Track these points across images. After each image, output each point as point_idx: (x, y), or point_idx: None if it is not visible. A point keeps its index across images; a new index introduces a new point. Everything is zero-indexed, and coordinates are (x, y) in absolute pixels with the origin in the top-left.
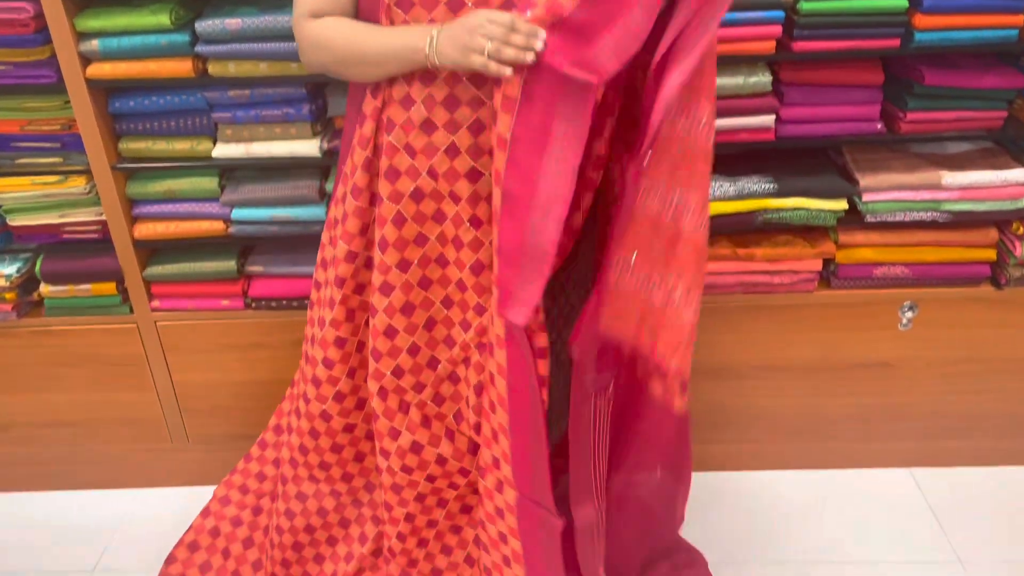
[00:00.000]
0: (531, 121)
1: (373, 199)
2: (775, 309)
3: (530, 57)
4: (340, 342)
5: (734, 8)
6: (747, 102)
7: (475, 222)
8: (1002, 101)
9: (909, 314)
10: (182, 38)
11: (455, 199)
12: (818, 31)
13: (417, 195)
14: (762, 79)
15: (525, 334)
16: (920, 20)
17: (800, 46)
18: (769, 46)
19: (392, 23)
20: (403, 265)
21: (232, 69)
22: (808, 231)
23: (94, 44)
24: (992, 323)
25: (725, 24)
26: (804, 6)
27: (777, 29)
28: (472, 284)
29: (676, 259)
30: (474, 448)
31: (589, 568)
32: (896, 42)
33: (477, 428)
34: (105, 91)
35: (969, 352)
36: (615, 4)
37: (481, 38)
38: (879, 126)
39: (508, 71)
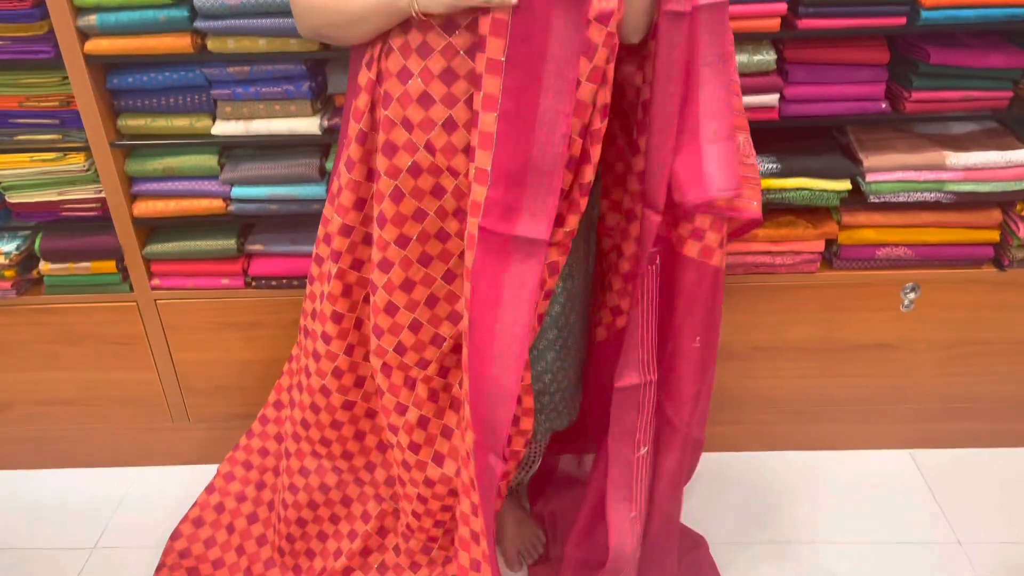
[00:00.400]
0: (525, 38)
1: (369, 173)
2: (777, 290)
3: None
4: (337, 317)
5: None
6: (751, 80)
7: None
8: (1008, 81)
9: (911, 295)
10: (180, 13)
11: (454, 173)
12: (823, 9)
13: (415, 170)
14: (766, 57)
15: (501, 239)
16: None
17: (805, 24)
18: (774, 24)
19: None
20: (401, 241)
21: (231, 45)
22: (811, 212)
23: (92, 19)
24: (994, 305)
25: (731, 1)
26: None
27: (782, 7)
28: None
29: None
30: None
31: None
32: (902, 20)
33: None
34: (103, 67)
35: (971, 334)
36: None
37: None
38: (884, 105)
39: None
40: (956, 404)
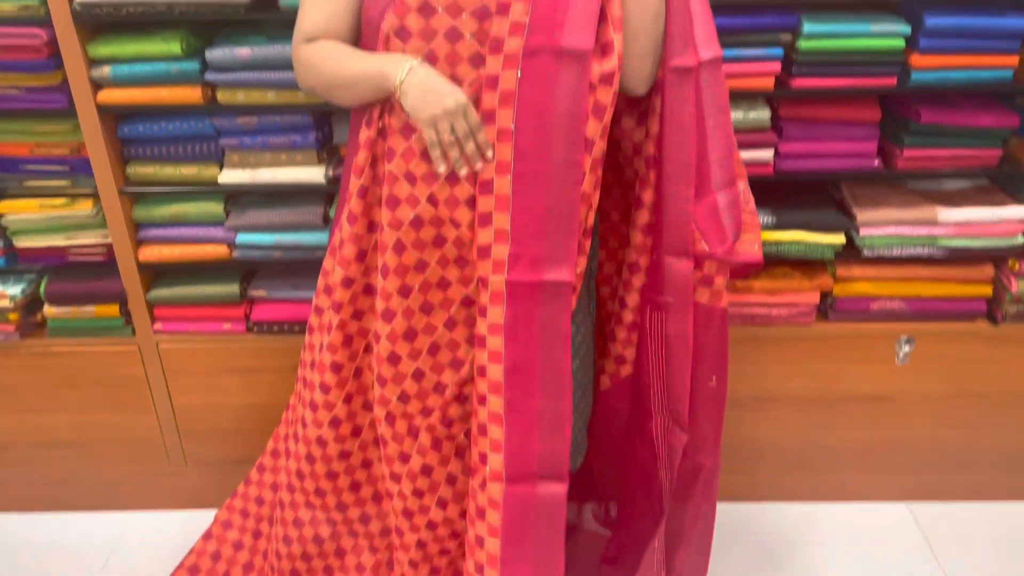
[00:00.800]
0: (533, 106)
1: (370, 225)
2: (773, 341)
3: (477, 166)
4: (336, 367)
5: (734, 45)
6: (747, 137)
7: (479, 245)
8: (997, 140)
9: (906, 348)
10: (192, 66)
11: (456, 224)
12: (816, 69)
13: (417, 223)
14: (761, 114)
15: (535, 288)
16: (916, 60)
17: (799, 83)
18: (768, 83)
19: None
20: (404, 291)
21: (241, 97)
22: (806, 264)
23: (105, 70)
24: (989, 358)
25: (725, 60)
26: (803, 44)
27: (776, 66)
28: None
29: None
30: None
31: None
32: (893, 81)
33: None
34: (115, 116)
35: (966, 387)
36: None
37: (446, 124)
38: (876, 162)
39: (442, 168)
40: (953, 457)
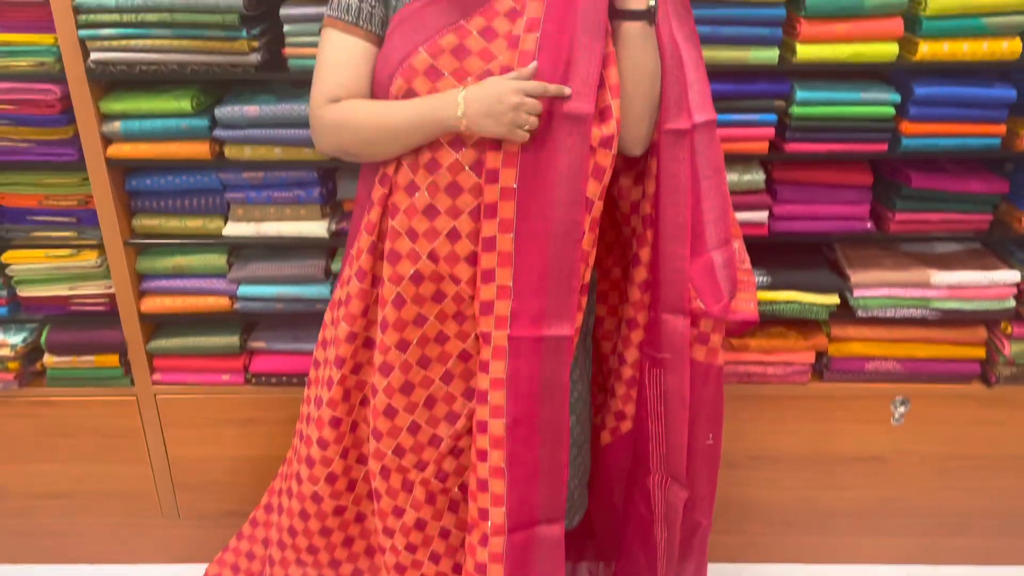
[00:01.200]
0: (535, 166)
1: (375, 281)
2: (769, 399)
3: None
4: (335, 422)
5: (730, 110)
6: (741, 198)
7: (477, 299)
8: (987, 205)
9: (901, 409)
10: (201, 122)
11: (455, 280)
12: (809, 134)
13: (416, 278)
14: (756, 177)
15: (537, 343)
16: (906, 127)
17: (792, 147)
18: (762, 146)
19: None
20: (402, 345)
21: (248, 153)
22: (801, 324)
23: (116, 126)
24: (983, 420)
25: (721, 124)
26: (796, 111)
27: (770, 131)
28: (478, 352)
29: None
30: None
31: None
32: (884, 146)
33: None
34: (123, 170)
35: (962, 449)
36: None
37: (525, 115)
38: (869, 225)
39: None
40: (949, 519)
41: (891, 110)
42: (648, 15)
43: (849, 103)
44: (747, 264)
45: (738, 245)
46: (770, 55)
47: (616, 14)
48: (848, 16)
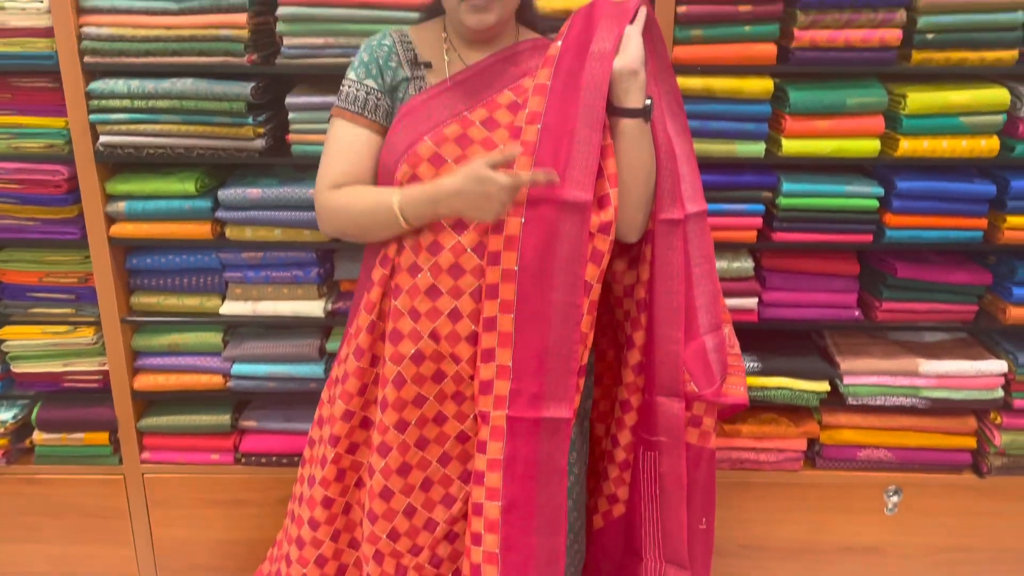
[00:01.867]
0: (535, 249)
1: (374, 361)
2: (762, 487)
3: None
4: (328, 502)
5: (719, 200)
6: (731, 285)
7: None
8: (972, 296)
9: (895, 498)
10: (204, 204)
11: (456, 360)
12: (796, 224)
13: (417, 357)
14: (744, 264)
15: (534, 425)
16: (891, 219)
17: (779, 236)
18: (750, 235)
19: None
20: (400, 425)
21: (249, 234)
22: (792, 410)
23: (121, 206)
24: (977, 511)
25: (711, 214)
26: (782, 201)
27: (758, 221)
28: (476, 434)
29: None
30: None
31: None
32: (869, 237)
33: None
34: (124, 248)
35: (956, 540)
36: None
37: (497, 205)
38: (857, 313)
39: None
40: None
41: (875, 203)
42: (644, 113)
43: (834, 195)
44: (736, 349)
45: (728, 330)
46: (756, 149)
47: (614, 111)
48: (831, 113)
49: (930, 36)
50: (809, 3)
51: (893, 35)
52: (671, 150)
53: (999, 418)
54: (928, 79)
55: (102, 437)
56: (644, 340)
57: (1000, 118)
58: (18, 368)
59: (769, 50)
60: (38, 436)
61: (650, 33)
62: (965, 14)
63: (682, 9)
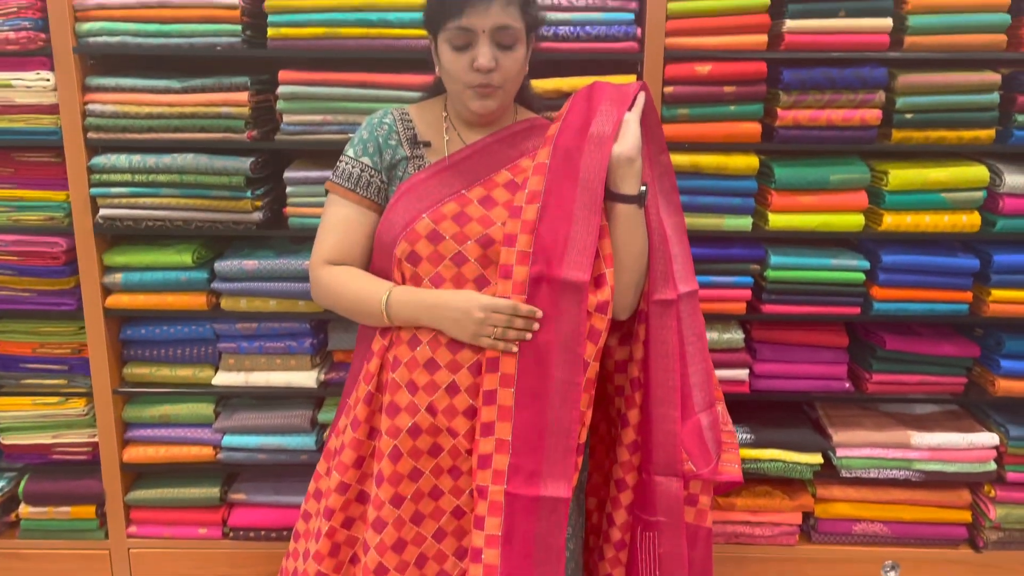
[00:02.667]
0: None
1: (371, 432)
2: (758, 561)
3: (528, 336)
4: None
5: (707, 272)
6: (722, 356)
7: (473, 454)
8: (961, 368)
9: (892, 573)
10: (200, 275)
11: (452, 434)
12: (784, 296)
13: (414, 431)
14: (735, 336)
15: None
16: (877, 292)
17: (768, 308)
18: (740, 307)
19: (403, 276)
20: (396, 500)
21: (243, 304)
22: (787, 483)
23: (117, 277)
24: None
25: (700, 286)
26: (770, 274)
27: (747, 293)
28: (472, 509)
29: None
30: None
31: None
32: (856, 310)
33: None
34: (119, 319)
35: None
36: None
37: (490, 328)
38: (847, 385)
39: (514, 348)
40: None
41: (861, 276)
42: (639, 199)
43: (821, 268)
44: (729, 426)
45: (720, 408)
46: (744, 223)
47: (610, 195)
48: (815, 189)
49: (909, 116)
50: (791, 84)
51: (873, 115)
52: (663, 233)
53: (993, 491)
54: (909, 156)
55: (89, 511)
56: (639, 419)
57: (980, 194)
58: (7, 440)
59: (754, 128)
60: (24, 510)
61: (648, 117)
62: (942, 95)
63: (669, 90)
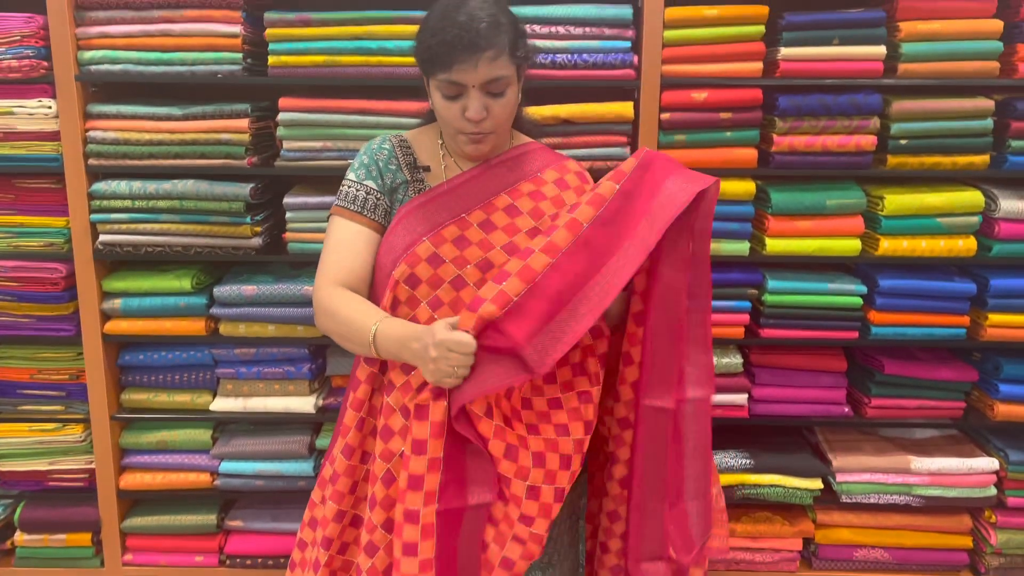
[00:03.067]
0: None
1: (364, 457)
2: None
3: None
4: None
5: None
6: (721, 380)
7: None
8: (959, 392)
9: None
10: (199, 301)
11: None
12: (782, 320)
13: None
14: (733, 360)
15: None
16: (875, 316)
17: (767, 333)
18: (738, 331)
19: (397, 299)
20: (388, 525)
21: (242, 330)
22: (787, 509)
23: (116, 303)
24: None
25: None
26: (768, 299)
27: (745, 317)
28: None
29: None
30: None
31: None
32: (855, 334)
33: None
34: (117, 345)
35: None
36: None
37: (446, 367)
38: (846, 409)
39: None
40: None
41: (859, 300)
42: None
43: (818, 292)
44: (722, 503)
45: (716, 490)
46: (741, 248)
47: None
48: (811, 214)
49: (904, 142)
50: (787, 110)
51: (868, 140)
52: (680, 333)
53: (994, 516)
54: (904, 181)
55: (84, 538)
56: (629, 456)
57: (976, 219)
58: (3, 466)
59: (750, 154)
60: (20, 537)
61: (700, 221)
62: (936, 121)
63: (665, 116)
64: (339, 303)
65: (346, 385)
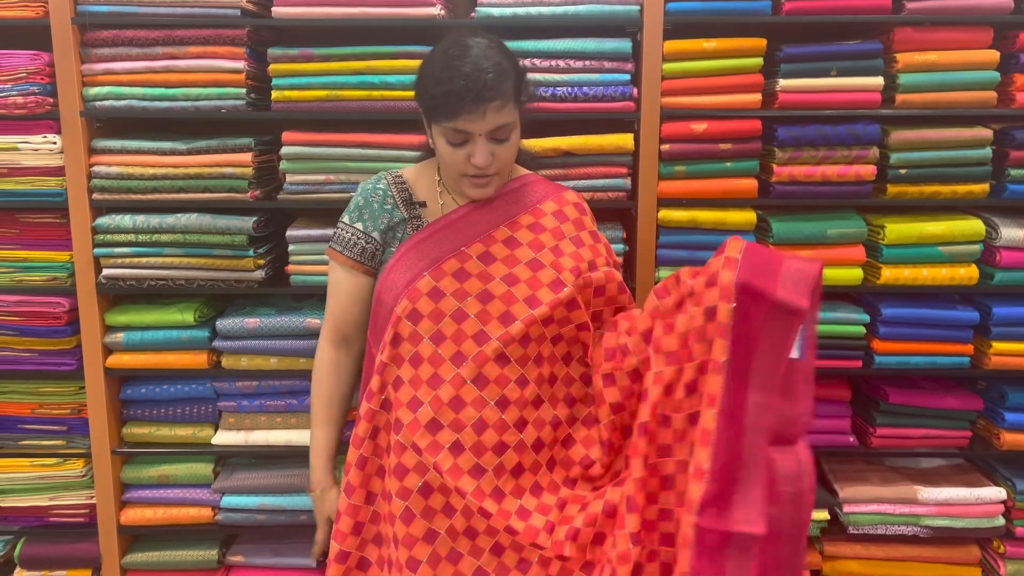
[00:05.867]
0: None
1: (368, 497)
2: None
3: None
4: None
5: None
6: None
7: (484, 513)
8: (964, 421)
9: None
10: (202, 334)
11: (461, 493)
12: None
13: (425, 490)
14: None
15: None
16: (878, 345)
17: None
18: None
19: (399, 335)
20: (411, 564)
21: (244, 363)
22: None
23: (119, 337)
24: None
25: None
26: None
27: None
28: (493, 568)
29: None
30: None
31: None
32: (858, 363)
33: None
34: (119, 379)
35: None
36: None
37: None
38: (851, 439)
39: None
40: None
41: (861, 329)
42: None
43: (821, 321)
44: None
45: None
46: None
47: None
48: (812, 243)
49: (903, 171)
50: (786, 141)
51: (868, 170)
52: (739, 458)
53: (1002, 547)
54: (905, 210)
55: (85, 575)
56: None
57: (977, 247)
58: (4, 502)
59: (750, 184)
60: (20, 574)
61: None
62: (935, 151)
63: (666, 147)
64: (322, 374)
65: (351, 417)
